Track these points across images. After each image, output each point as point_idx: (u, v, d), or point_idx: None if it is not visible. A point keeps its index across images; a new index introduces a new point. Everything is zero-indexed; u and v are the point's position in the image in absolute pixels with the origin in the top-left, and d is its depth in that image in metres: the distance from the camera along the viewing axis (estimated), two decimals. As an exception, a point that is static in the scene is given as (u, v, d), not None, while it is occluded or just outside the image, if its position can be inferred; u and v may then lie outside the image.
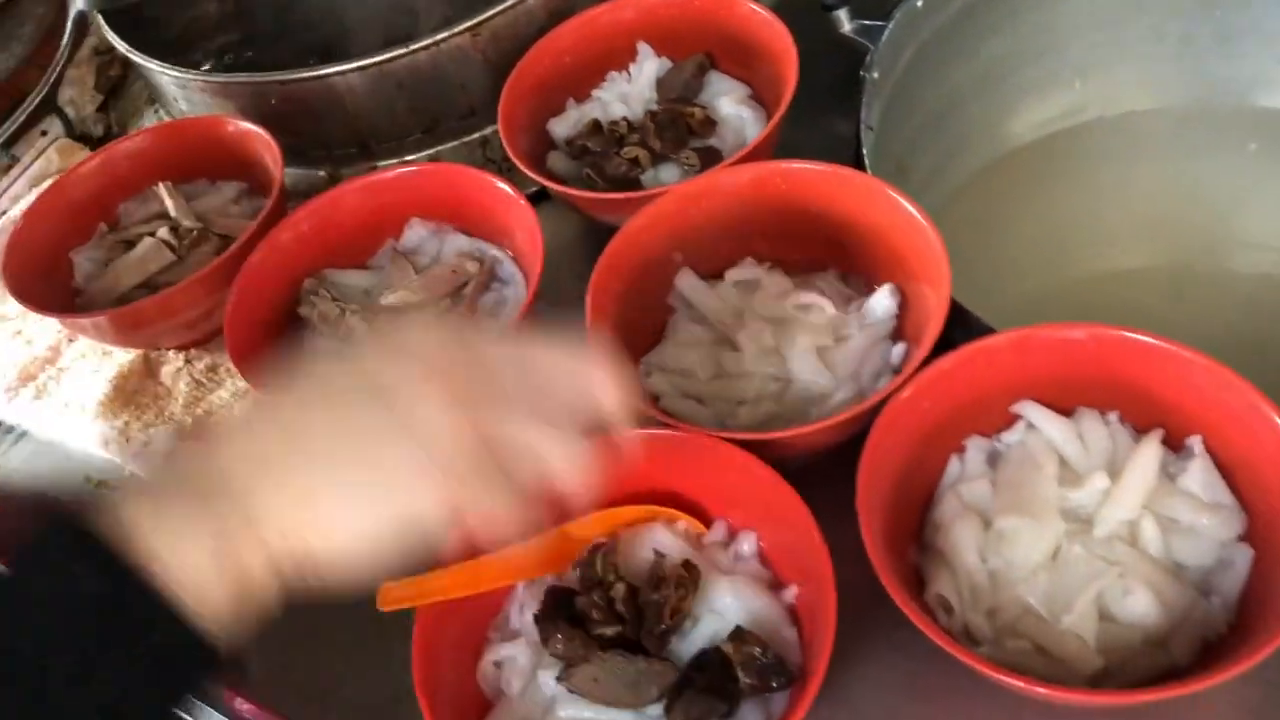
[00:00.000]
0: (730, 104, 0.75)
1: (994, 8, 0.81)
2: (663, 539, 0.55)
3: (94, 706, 0.37)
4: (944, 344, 0.55)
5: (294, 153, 0.80)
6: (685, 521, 0.57)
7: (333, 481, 0.40)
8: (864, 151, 0.68)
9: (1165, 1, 0.82)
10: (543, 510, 0.43)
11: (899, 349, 0.61)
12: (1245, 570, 0.50)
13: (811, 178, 0.63)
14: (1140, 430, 0.55)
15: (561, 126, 0.78)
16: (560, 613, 0.53)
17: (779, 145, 0.71)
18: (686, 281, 0.65)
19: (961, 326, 0.57)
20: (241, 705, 0.66)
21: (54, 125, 0.98)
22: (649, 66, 0.78)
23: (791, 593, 0.54)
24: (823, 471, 0.53)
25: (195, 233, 0.77)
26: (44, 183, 0.90)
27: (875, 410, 0.53)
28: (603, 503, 0.58)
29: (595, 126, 0.75)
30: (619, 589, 0.52)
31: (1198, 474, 0.52)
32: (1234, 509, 0.51)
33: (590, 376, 0.44)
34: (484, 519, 0.41)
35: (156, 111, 1.00)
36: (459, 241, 0.73)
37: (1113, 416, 0.55)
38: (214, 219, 0.79)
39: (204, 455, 0.41)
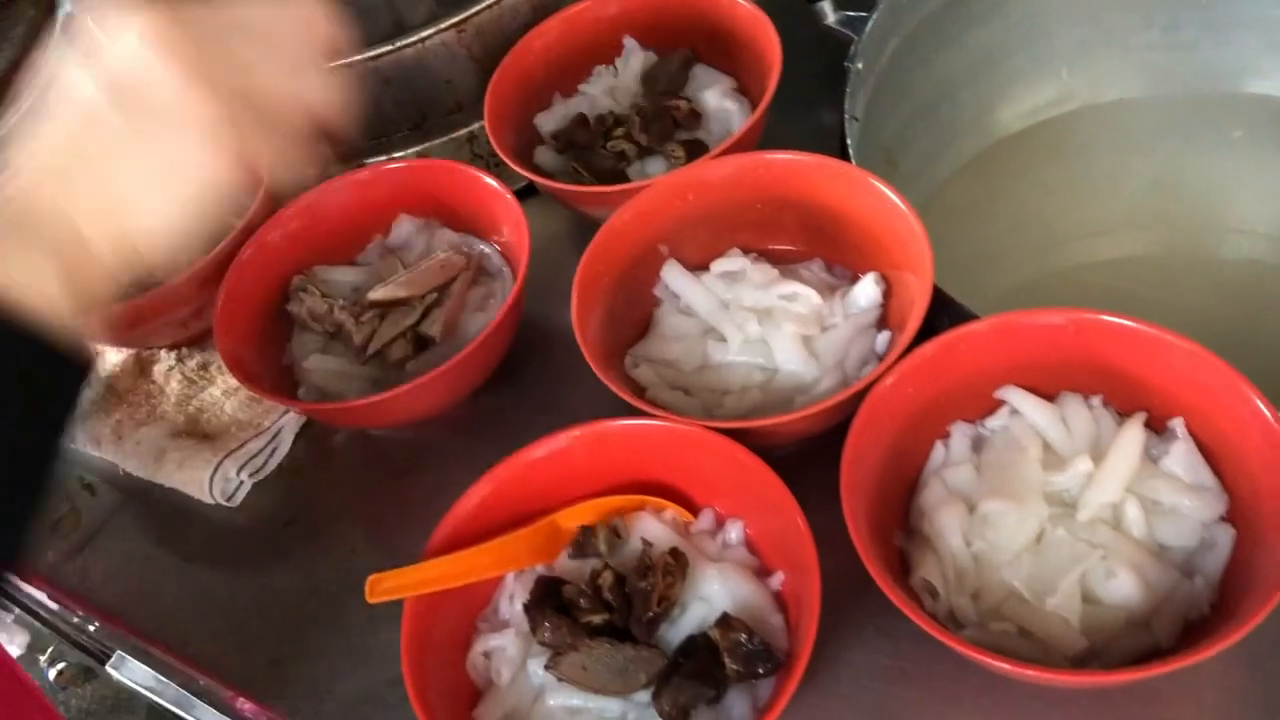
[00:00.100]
0: (715, 97, 0.75)
1: (979, -3, 0.81)
2: (650, 528, 0.56)
3: None
4: (929, 332, 0.55)
5: (283, 151, 0.80)
6: (673, 510, 0.58)
7: (133, 183, 0.45)
8: (848, 142, 0.68)
9: (1151, -11, 0.83)
10: (317, 143, 0.49)
11: (884, 337, 0.61)
12: (1227, 550, 0.50)
13: (794, 168, 0.63)
14: (1124, 413, 0.55)
15: (548, 121, 0.78)
16: (549, 601, 0.53)
17: (766, 138, 0.71)
18: (672, 273, 0.66)
19: (946, 314, 0.57)
20: (243, 705, 0.67)
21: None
22: (635, 61, 0.78)
23: (778, 579, 0.54)
24: (810, 459, 0.53)
25: (185, 232, 0.77)
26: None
27: (859, 397, 0.53)
28: (591, 492, 0.58)
29: (582, 120, 0.75)
30: (607, 577, 0.53)
31: (1180, 456, 0.52)
32: (1216, 490, 0.51)
33: (300, 18, 0.49)
34: (269, 164, 0.47)
35: (147, 113, 1.00)
36: (447, 236, 0.73)
37: (1096, 400, 0.55)
38: (204, 218, 0.79)
39: (21, 199, 0.44)
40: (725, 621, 0.51)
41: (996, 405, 0.56)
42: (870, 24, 0.73)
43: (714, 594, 0.53)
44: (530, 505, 0.58)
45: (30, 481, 0.42)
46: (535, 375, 0.71)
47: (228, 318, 0.68)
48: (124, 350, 0.80)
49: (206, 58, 0.44)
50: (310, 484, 0.71)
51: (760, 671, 0.50)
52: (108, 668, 0.86)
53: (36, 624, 1.10)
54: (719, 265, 0.65)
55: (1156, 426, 0.54)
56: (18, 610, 1.10)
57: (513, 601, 0.56)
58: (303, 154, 0.48)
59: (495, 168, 0.77)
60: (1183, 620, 0.49)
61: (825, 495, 0.50)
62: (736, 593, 0.53)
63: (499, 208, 0.70)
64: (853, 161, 0.65)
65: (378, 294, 0.69)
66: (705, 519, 0.57)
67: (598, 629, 0.52)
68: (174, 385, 0.76)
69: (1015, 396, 0.56)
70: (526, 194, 0.75)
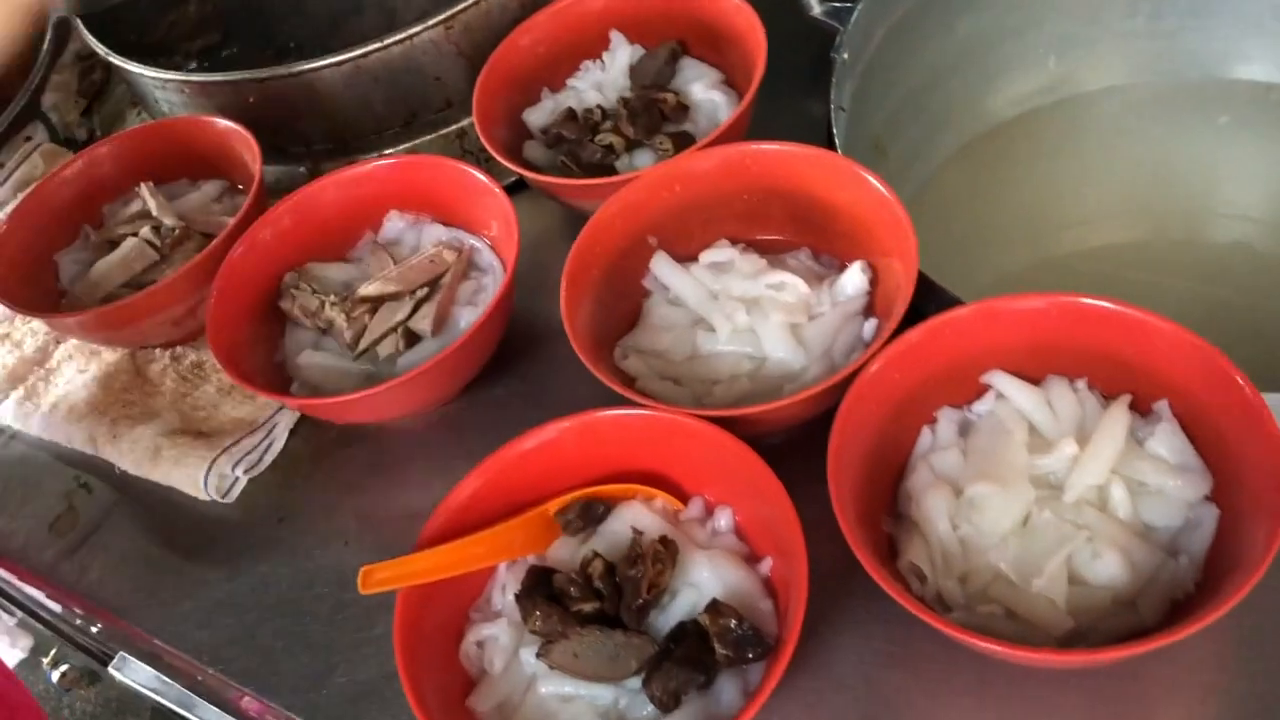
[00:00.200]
0: (702, 89, 0.75)
1: (965, -13, 0.81)
2: (640, 516, 0.56)
3: None
4: (917, 318, 0.55)
5: (274, 150, 0.81)
6: (662, 499, 0.58)
7: None
8: (835, 132, 0.69)
9: (1136, -24, 0.83)
10: None
11: (871, 324, 0.62)
12: (1211, 530, 0.50)
13: (779, 158, 0.64)
14: (1109, 396, 0.55)
15: (537, 116, 0.78)
16: (539, 591, 0.53)
17: (755, 130, 0.72)
18: (661, 264, 0.66)
19: (933, 300, 0.58)
20: (248, 704, 0.67)
21: (38, 131, 0.99)
22: (622, 54, 0.79)
23: (767, 565, 0.54)
24: (799, 447, 0.54)
25: (177, 231, 0.78)
26: (29, 188, 0.90)
27: (845, 384, 0.53)
28: (582, 482, 0.59)
29: (570, 115, 0.76)
30: (597, 565, 0.53)
31: (1165, 437, 0.52)
32: (1200, 470, 0.52)
33: None
34: None
35: (139, 115, 1.00)
36: (437, 232, 0.74)
37: (1081, 383, 0.56)
38: (196, 218, 0.80)
39: None
40: (715, 607, 0.51)
41: (983, 390, 0.57)
42: (856, 14, 0.73)
43: (703, 580, 0.53)
44: (522, 496, 0.58)
45: None
46: (527, 368, 0.71)
47: (220, 315, 0.69)
48: (119, 349, 0.80)
49: None
50: (305, 479, 0.71)
51: (750, 656, 0.50)
52: (110, 669, 0.86)
53: (39, 626, 1.11)
54: (707, 256, 0.66)
55: (1141, 408, 0.54)
56: (20, 614, 1.11)
57: (505, 592, 0.56)
58: None
59: (485, 163, 0.78)
60: (1168, 600, 0.50)
61: (815, 482, 0.50)
62: (726, 579, 0.53)
63: (488, 203, 0.70)
64: (840, 152, 0.65)
65: (368, 290, 0.69)
66: (695, 507, 0.58)
67: (588, 617, 0.52)
68: (169, 384, 0.77)
69: (1001, 381, 0.56)
70: (516, 189, 0.76)
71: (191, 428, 0.74)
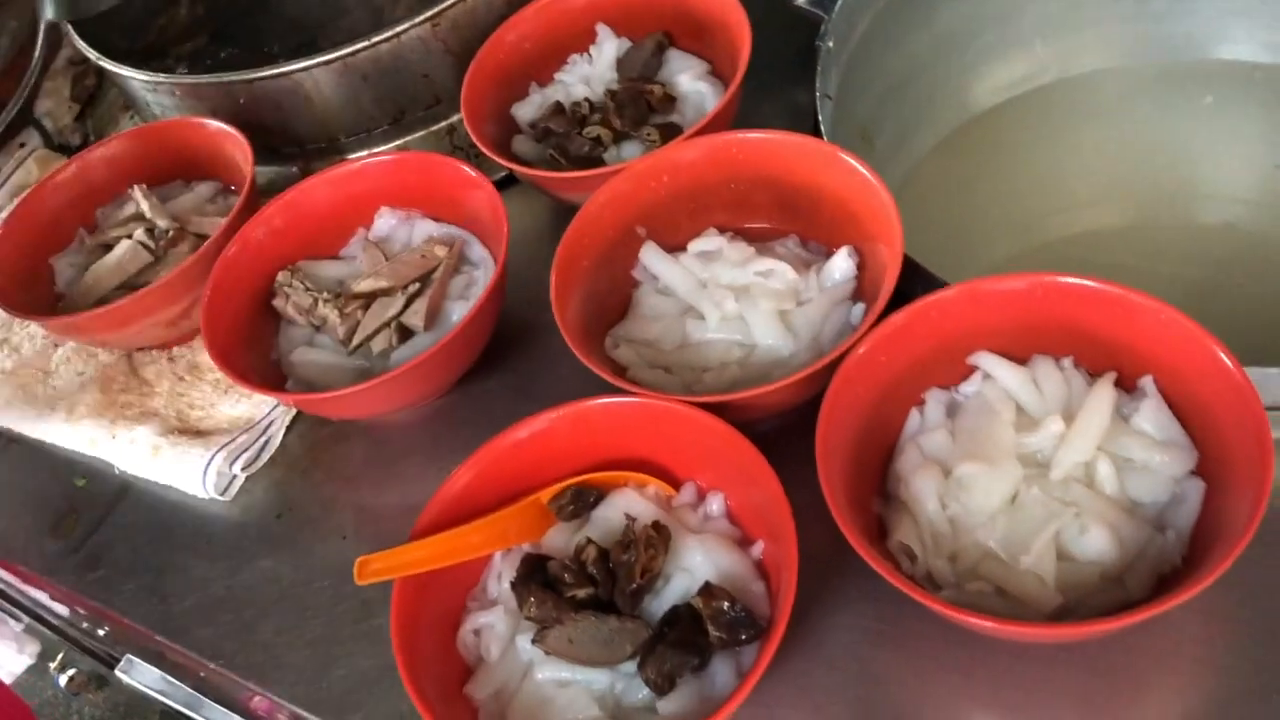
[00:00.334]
0: (689, 80, 0.76)
1: (949, -27, 0.82)
2: (633, 503, 0.57)
3: None
4: (906, 303, 0.56)
5: (266, 150, 0.81)
6: (655, 485, 0.58)
7: None
8: (820, 120, 0.69)
9: (1117, -41, 0.83)
10: None
11: (859, 309, 0.62)
12: (1197, 504, 0.51)
13: (765, 146, 0.64)
14: (1095, 374, 0.56)
15: (525, 110, 0.79)
16: (534, 578, 0.54)
17: (742, 120, 0.72)
18: (650, 254, 0.66)
19: (920, 284, 0.58)
20: (257, 704, 0.68)
21: (32, 137, 0.99)
22: (608, 47, 0.79)
23: (759, 548, 0.55)
24: (790, 432, 0.54)
25: (171, 233, 0.78)
26: (24, 194, 0.91)
27: (833, 368, 0.54)
28: (575, 471, 0.59)
29: (558, 108, 0.76)
30: (590, 552, 0.54)
31: (1150, 413, 0.53)
32: (1186, 445, 0.52)
33: None
34: None
35: (132, 119, 1.01)
36: (428, 227, 0.74)
37: (1067, 362, 0.56)
38: (190, 219, 0.80)
39: None
40: (708, 590, 0.52)
41: (969, 371, 0.57)
42: (840, 2, 0.74)
43: (696, 564, 0.54)
44: (515, 486, 0.59)
45: None
46: (519, 361, 0.72)
47: (215, 315, 0.69)
48: (116, 352, 0.81)
49: None
50: (302, 475, 0.72)
51: (743, 638, 0.51)
52: (117, 671, 0.87)
53: (46, 631, 1.11)
54: (696, 245, 0.66)
55: (1127, 385, 0.55)
56: (27, 619, 1.12)
57: (500, 580, 0.57)
58: None
59: (475, 159, 0.78)
60: (1156, 574, 0.50)
61: (806, 466, 0.51)
62: (718, 562, 0.54)
63: (478, 198, 0.70)
64: (825, 140, 0.66)
65: (361, 286, 0.70)
66: (687, 492, 0.58)
67: (583, 602, 0.53)
68: (165, 384, 0.77)
69: (987, 361, 0.56)
70: (506, 184, 0.76)
71: (189, 427, 0.75)
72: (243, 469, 0.72)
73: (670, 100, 0.75)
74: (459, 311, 0.69)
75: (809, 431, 0.52)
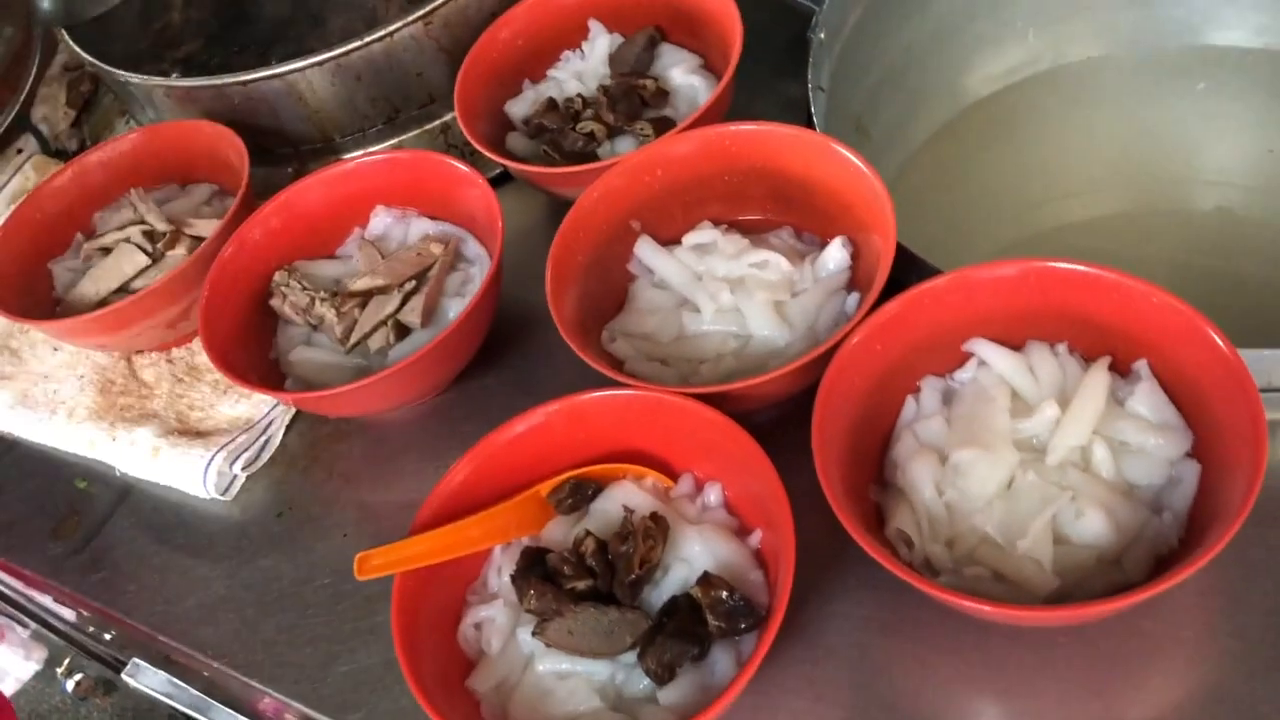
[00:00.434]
0: (681, 74, 0.76)
1: (940, -37, 0.82)
2: (631, 495, 0.57)
3: None
4: (901, 292, 0.56)
5: (261, 151, 0.81)
6: (653, 477, 0.59)
7: None
8: (813, 111, 0.69)
9: (1109, -54, 0.84)
10: None
11: (854, 299, 0.62)
12: (1193, 485, 0.51)
13: (757, 138, 0.64)
14: (1089, 358, 0.56)
15: (519, 107, 0.79)
16: (534, 570, 0.54)
17: (735, 113, 0.72)
18: (645, 248, 0.67)
19: (915, 273, 0.58)
20: (265, 706, 0.68)
21: (29, 143, 0.99)
22: (601, 43, 0.79)
23: (757, 537, 0.55)
24: (787, 422, 0.55)
25: (168, 236, 0.78)
26: (21, 199, 0.91)
27: (827, 357, 0.54)
28: (573, 464, 0.60)
29: (551, 105, 0.77)
30: (589, 544, 0.54)
31: (1145, 396, 0.53)
32: (1181, 428, 0.52)
33: None
34: None
35: (128, 123, 1.01)
36: (423, 225, 0.75)
37: (1061, 347, 0.56)
38: (186, 221, 0.80)
39: None
40: (706, 580, 0.52)
41: (965, 358, 0.57)
42: (830, -6, 0.74)
43: (694, 555, 0.54)
44: (514, 480, 0.59)
45: None
46: (517, 357, 0.72)
47: (213, 316, 0.69)
48: (115, 355, 0.81)
49: None
50: (302, 474, 0.72)
51: (742, 627, 0.51)
52: (124, 675, 0.87)
53: (52, 636, 1.12)
54: (690, 238, 0.66)
55: (1121, 369, 0.55)
56: (34, 625, 1.12)
57: (500, 574, 0.57)
58: None
59: (469, 156, 0.78)
60: (1153, 556, 0.50)
61: (802, 455, 0.51)
62: (717, 552, 0.54)
63: (473, 195, 0.71)
64: (819, 131, 0.66)
65: (357, 285, 0.70)
66: (685, 483, 0.58)
67: (582, 594, 0.53)
68: (164, 386, 0.78)
69: (982, 348, 0.57)
70: (501, 181, 0.77)
71: (189, 428, 0.75)
72: (243, 469, 0.72)
73: (663, 95, 0.75)
74: (455, 308, 0.69)
75: (805, 421, 0.52)
